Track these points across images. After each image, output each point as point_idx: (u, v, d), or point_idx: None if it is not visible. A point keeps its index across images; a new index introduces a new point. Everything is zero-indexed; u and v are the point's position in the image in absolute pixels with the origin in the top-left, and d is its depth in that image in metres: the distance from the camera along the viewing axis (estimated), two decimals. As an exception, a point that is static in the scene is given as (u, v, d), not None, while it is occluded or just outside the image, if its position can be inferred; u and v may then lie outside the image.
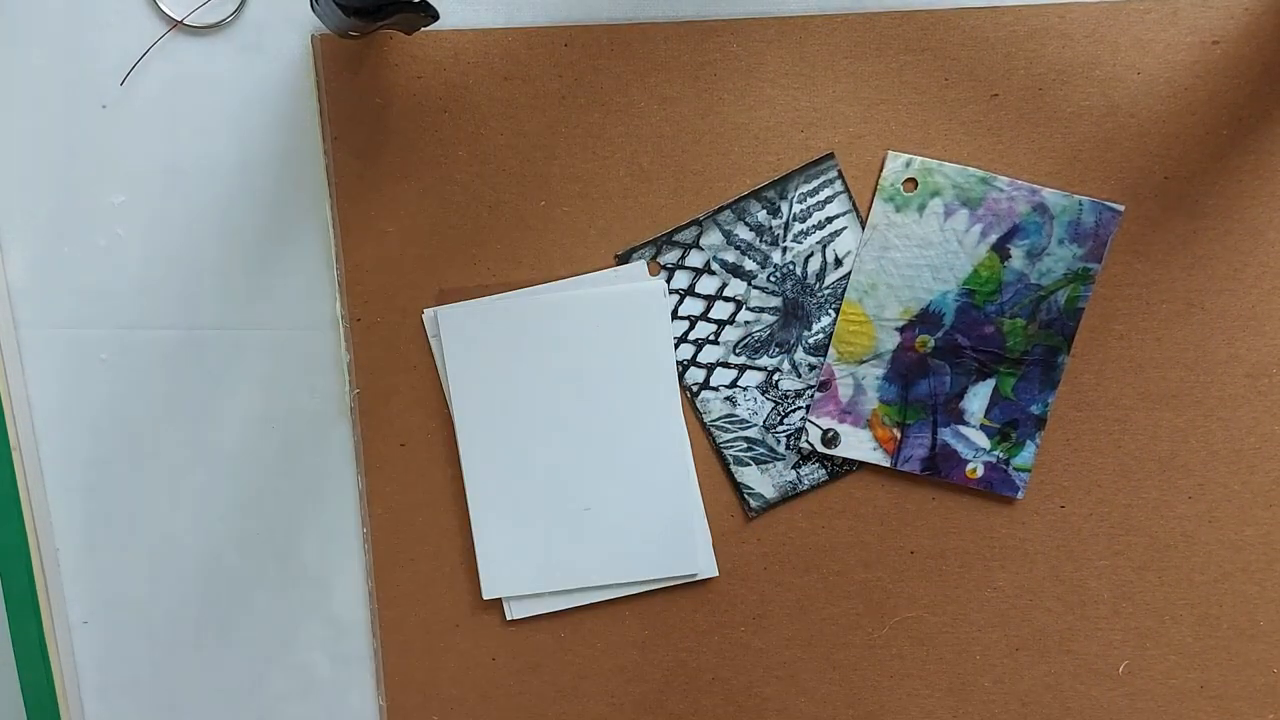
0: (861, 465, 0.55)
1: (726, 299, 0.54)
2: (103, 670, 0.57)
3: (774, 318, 0.54)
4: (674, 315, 0.54)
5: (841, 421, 0.54)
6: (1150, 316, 0.53)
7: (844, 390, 0.54)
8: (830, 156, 0.52)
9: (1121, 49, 0.51)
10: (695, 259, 0.53)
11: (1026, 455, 0.54)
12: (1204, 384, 0.54)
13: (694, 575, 0.55)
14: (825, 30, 0.51)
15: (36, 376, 0.54)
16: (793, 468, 0.55)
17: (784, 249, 0.53)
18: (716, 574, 0.55)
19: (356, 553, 0.56)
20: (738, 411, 0.55)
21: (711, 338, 0.54)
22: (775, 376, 0.54)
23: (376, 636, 0.56)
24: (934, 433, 0.54)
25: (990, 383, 0.54)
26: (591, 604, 0.56)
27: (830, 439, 0.54)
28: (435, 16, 0.47)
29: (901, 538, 0.55)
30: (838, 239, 0.53)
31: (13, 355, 0.54)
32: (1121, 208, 0.52)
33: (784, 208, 0.53)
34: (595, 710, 0.57)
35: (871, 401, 0.54)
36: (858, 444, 0.54)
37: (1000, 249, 0.53)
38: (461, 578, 0.56)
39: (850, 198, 0.53)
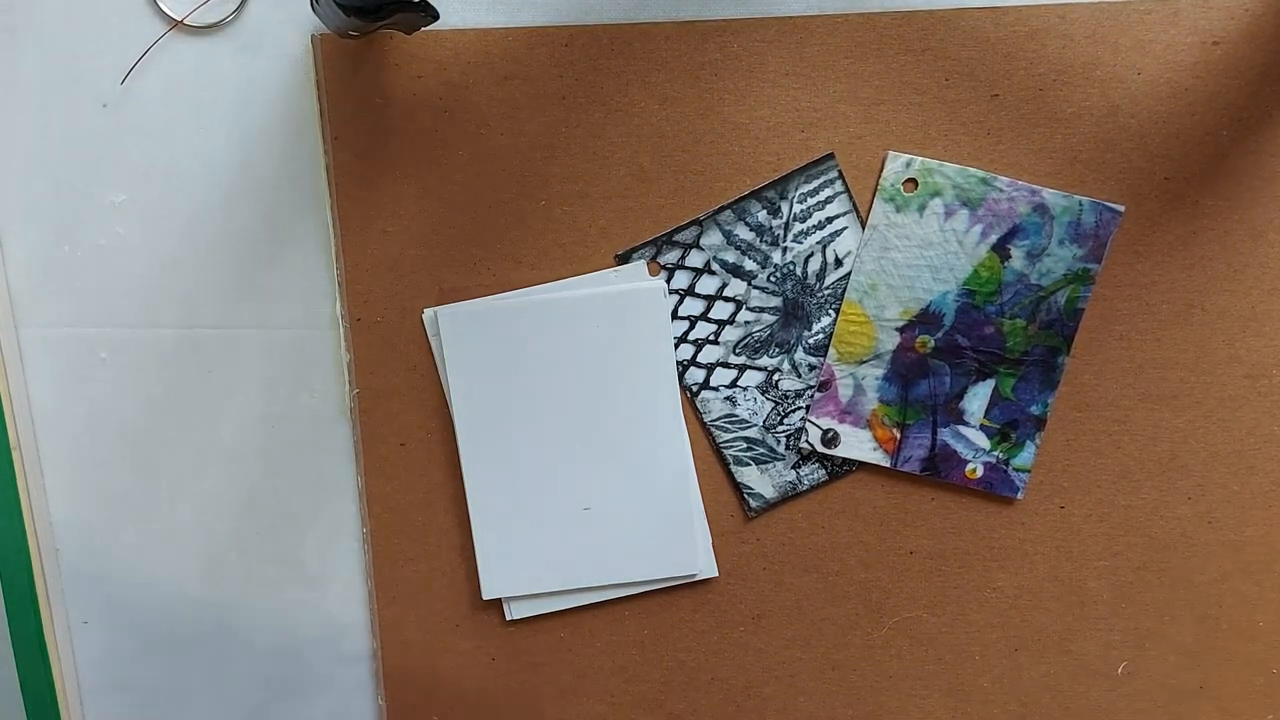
0: (861, 465, 0.55)
1: (726, 299, 0.54)
2: (103, 670, 0.57)
3: (774, 318, 0.54)
4: (674, 315, 0.54)
5: (841, 422, 0.54)
6: (1150, 317, 0.53)
7: (844, 390, 0.54)
8: (830, 157, 0.52)
9: (1122, 50, 0.51)
10: (695, 259, 0.53)
11: (1026, 455, 0.54)
12: (1204, 384, 0.54)
13: (694, 575, 0.55)
14: (825, 30, 0.51)
15: (36, 376, 0.54)
16: (792, 468, 0.55)
17: (784, 249, 0.53)
18: (716, 574, 0.56)
19: (356, 553, 0.56)
20: (738, 411, 0.55)
21: (711, 338, 0.54)
22: (775, 376, 0.54)
23: (376, 636, 0.56)
24: (934, 433, 0.54)
25: (990, 383, 0.54)
26: (591, 604, 0.56)
27: (830, 439, 0.54)
28: (435, 16, 0.47)
29: (901, 538, 0.55)
30: (838, 239, 0.53)
31: (13, 355, 0.54)
32: (1121, 208, 0.52)
33: (784, 208, 0.53)
34: (595, 710, 0.57)
35: (871, 402, 0.54)
36: (857, 444, 0.54)
37: (1000, 249, 0.53)
38: (461, 578, 0.56)
39: (850, 198, 0.53)
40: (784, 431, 0.55)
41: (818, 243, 0.53)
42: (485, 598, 0.55)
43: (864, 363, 0.54)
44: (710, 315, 0.54)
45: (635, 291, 0.53)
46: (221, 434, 0.55)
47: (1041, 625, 0.56)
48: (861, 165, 0.52)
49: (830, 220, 0.53)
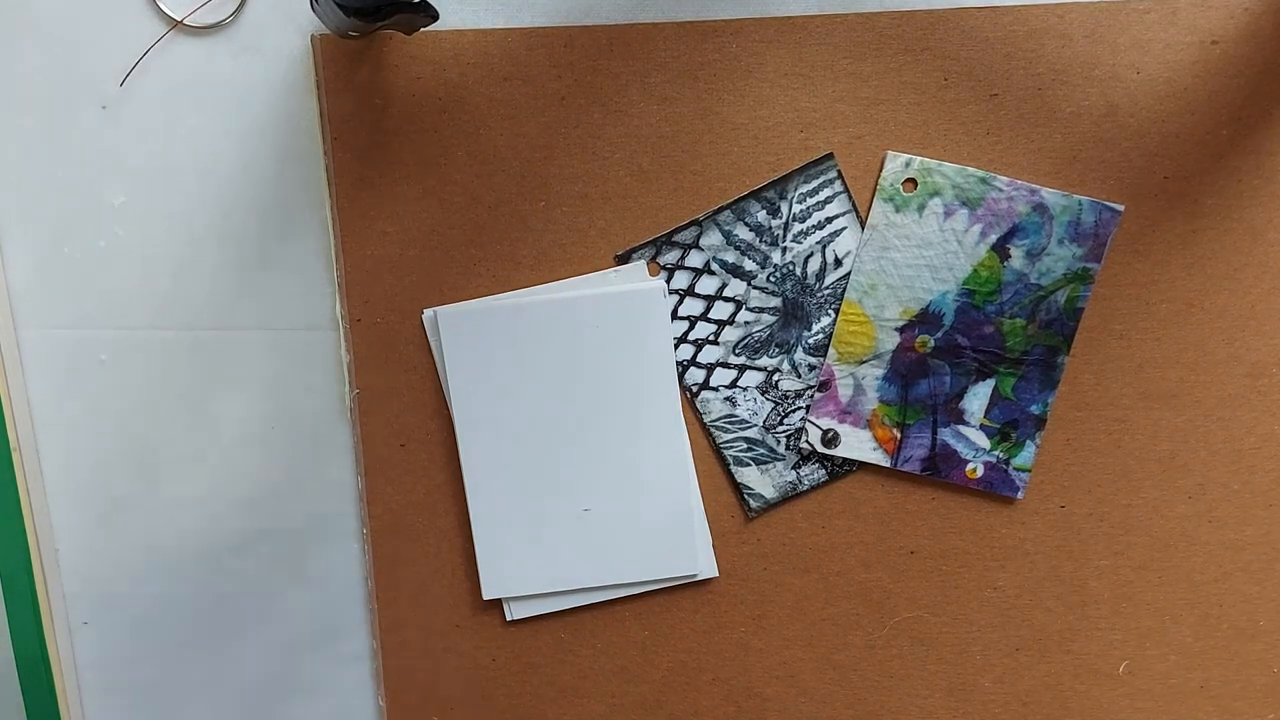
0: (861, 465, 0.55)
1: (726, 299, 0.54)
2: (103, 670, 0.57)
3: (774, 318, 0.54)
4: (674, 315, 0.54)
5: (841, 422, 0.54)
6: (1150, 316, 0.53)
7: (844, 390, 0.54)
8: (830, 157, 0.52)
9: (1121, 49, 0.51)
10: (695, 259, 0.53)
11: (1026, 455, 0.54)
12: (1204, 384, 0.54)
13: (694, 576, 0.55)
14: (824, 31, 0.51)
15: (36, 376, 0.54)
16: (793, 468, 0.55)
17: (784, 249, 0.53)
18: (716, 574, 0.55)
19: (356, 553, 0.56)
20: (738, 412, 0.55)
21: (711, 338, 0.54)
22: (775, 377, 0.54)
23: (376, 637, 0.56)
24: (934, 433, 0.54)
25: (990, 383, 0.54)
26: (591, 604, 0.56)
27: (830, 439, 0.54)
28: (435, 16, 0.47)
29: (901, 538, 0.55)
30: (837, 239, 0.53)
31: (13, 355, 0.54)
32: (1121, 208, 0.52)
33: (784, 208, 0.53)
34: (595, 710, 0.57)
35: (871, 402, 0.54)
36: (858, 444, 0.54)
37: (1000, 249, 0.53)
38: (461, 578, 0.56)
39: (850, 198, 0.53)
40: (784, 432, 0.55)
41: (817, 243, 0.53)
42: (485, 598, 0.55)
43: (864, 363, 0.54)
44: (710, 315, 0.54)
45: (635, 292, 0.53)
46: (221, 434, 0.55)
47: (1042, 625, 0.56)
48: (861, 165, 0.52)
49: (830, 220, 0.53)
